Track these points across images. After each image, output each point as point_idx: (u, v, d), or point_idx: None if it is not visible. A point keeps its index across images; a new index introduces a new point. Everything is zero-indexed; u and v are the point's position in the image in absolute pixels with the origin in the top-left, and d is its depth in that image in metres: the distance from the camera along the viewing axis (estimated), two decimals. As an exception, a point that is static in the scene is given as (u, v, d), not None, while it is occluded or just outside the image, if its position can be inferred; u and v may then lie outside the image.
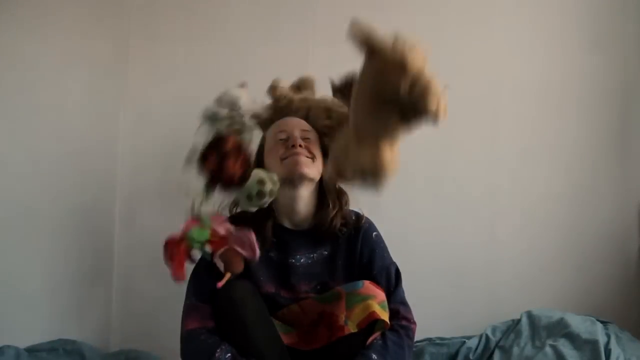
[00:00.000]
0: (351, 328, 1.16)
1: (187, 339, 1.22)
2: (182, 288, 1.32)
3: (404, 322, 1.27)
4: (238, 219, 1.37)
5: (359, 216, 1.40)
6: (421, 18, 1.90)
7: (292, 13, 1.88)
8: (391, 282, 1.33)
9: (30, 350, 1.46)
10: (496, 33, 1.91)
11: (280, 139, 1.35)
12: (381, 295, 1.21)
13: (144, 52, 1.85)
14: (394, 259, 1.39)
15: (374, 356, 1.17)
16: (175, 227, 1.80)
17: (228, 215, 1.40)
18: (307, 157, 1.31)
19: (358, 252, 1.35)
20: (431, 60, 1.90)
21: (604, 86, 1.90)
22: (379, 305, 1.19)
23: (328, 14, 1.88)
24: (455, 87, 1.87)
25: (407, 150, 1.84)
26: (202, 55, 1.85)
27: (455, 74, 1.88)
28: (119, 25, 1.84)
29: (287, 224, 1.36)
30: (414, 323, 1.30)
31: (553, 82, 1.91)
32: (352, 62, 1.83)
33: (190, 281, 1.30)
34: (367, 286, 1.22)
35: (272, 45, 1.84)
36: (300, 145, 1.31)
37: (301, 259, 1.33)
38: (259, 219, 1.32)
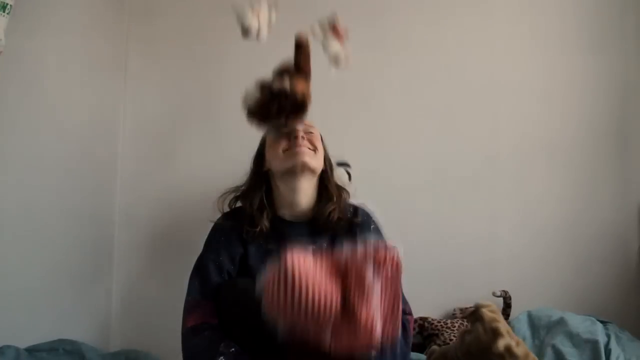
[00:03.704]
0: None
1: (190, 335, 1.22)
2: (182, 288, 1.32)
3: None
4: (237, 213, 1.38)
5: (357, 209, 1.41)
6: (421, 19, 1.90)
7: (292, 13, 1.88)
8: None
9: (30, 350, 1.46)
10: (496, 33, 1.92)
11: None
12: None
13: (144, 53, 1.85)
14: (394, 259, 1.40)
15: (373, 353, 1.17)
16: (175, 227, 1.81)
17: (228, 209, 1.40)
18: (310, 149, 1.32)
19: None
20: (432, 60, 1.92)
21: (603, 86, 1.90)
22: None
23: (328, 14, 1.88)
24: (456, 87, 1.89)
25: (407, 150, 1.86)
26: (201, 56, 1.85)
27: (456, 74, 1.89)
28: (118, 25, 1.84)
29: (287, 216, 1.36)
30: (411, 314, 1.30)
31: (553, 82, 1.91)
32: (353, 66, 1.85)
33: (191, 278, 1.30)
34: None
35: (273, 46, 1.84)
36: (302, 138, 1.33)
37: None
38: (258, 210, 1.32)
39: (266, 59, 1.89)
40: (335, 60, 1.28)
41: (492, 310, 1.40)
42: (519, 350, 1.34)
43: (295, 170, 1.30)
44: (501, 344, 1.32)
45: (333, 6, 1.85)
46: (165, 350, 1.61)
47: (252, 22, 1.22)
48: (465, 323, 1.71)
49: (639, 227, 1.87)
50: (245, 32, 1.23)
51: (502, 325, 1.36)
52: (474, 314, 1.42)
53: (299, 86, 1.17)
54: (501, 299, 1.74)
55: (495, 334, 1.34)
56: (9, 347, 1.40)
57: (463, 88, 1.89)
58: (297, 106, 1.18)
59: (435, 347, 1.61)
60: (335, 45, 1.28)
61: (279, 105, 1.18)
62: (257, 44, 1.25)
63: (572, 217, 1.87)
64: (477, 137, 1.89)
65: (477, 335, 1.38)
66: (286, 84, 1.17)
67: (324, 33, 1.29)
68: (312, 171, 1.33)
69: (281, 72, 1.22)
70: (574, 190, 1.88)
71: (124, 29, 1.85)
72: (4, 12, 1.28)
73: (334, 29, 1.29)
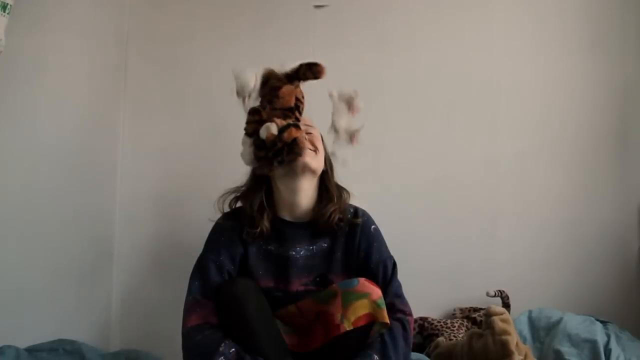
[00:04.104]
0: (347, 326, 1.17)
1: (190, 335, 1.22)
2: (182, 288, 1.32)
3: (399, 315, 1.27)
4: (237, 213, 1.37)
5: (357, 210, 1.41)
6: (421, 19, 1.90)
7: (293, 14, 1.89)
8: (387, 275, 1.34)
9: (30, 350, 1.47)
10: (496, 33, 1.91)
11: None
12: (377, 292, 1.21)
13: (144, 52, 1.85)
14: (395, 259, 1.40)
15: (375, 357, 1.18)
16: (175, 227, 1.82)
17: (228, 209, 1.40)
18: (310, 149, 1.32)
19: (356, 245, 1.36)
20: (431, 61, 1.92)
21: (603, 86, 1.90)
22: (375, 303, 1.19)
23: (329, 16, 1.88)
24: (455, 87, 1.89)
25: (407, 150, 1.86)
26: (202, 56, 1.85)
27: (455, 75, 1.89)
28: (118, 25, 1.84)
29: (287, 216, 1.36)
30: (410, 315, 1.30)
31: (553, 82, 1.91)
32: (353, 66, 1.85)
33: (192, 278, 1.30)
34: (363, 283, 1.22)
35: (273, 46, 1.84)
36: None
37: (301, 251, 1.34)
38: (258, 211, 1.32)
39: (267, 59, 1.89)
40: (334, 132, 1.35)
41: (504, 319, 1.39)
42: None
43: (296, 171, 1.29)
44: None
45: (334, 10, 1.87)
46: (165, 350, 1.61)
47: (251, 80, 1.26)
48: (466, 323, 1.71)
49: (639, 227, 1.87)
50: (242, 88, 1.27)
51: (512, 338, 1.35)
52: (486, 317, 1.41)
53: (289, 132, 1.19)
54: (500, 299, 1.74)
55: (505, 349, 1.33)
56: (9, 347, 1.40)
57: (463, 88, 1.89)
58: (290, 148, 1.20)
59: (441, 339, 1.60)
60: (343, 119, 1.35)
61: (273, 151, 1.20)
62: (246, 105, 1.28)
63: (572, 217, 1.87)
64: (477, 138, 1.89)
65: (485, 344, 1.37)
66: (273, 130, 1.19)
67: (340, 102, 1.36)
68: (313, 172, 1.33)
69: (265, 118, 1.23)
70: (573, 190, 1.88)
71: (124, 29, 1.85)
72: (4, 12, 1.28)
73: (349, 103, 1.35)
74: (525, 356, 1.37)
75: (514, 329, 1.40)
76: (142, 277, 1.80)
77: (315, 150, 1.33)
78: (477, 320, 1.71)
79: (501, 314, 1.39)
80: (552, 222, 1.87)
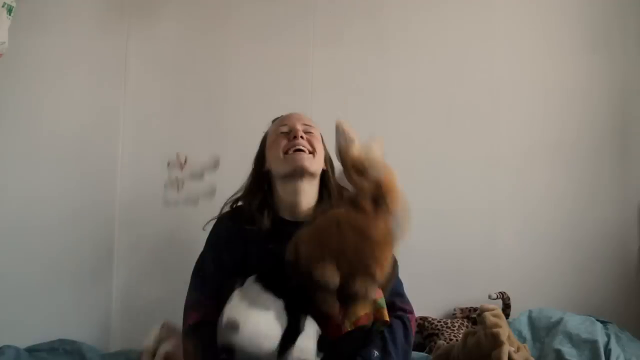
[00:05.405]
0: (347, 327, 1.17)
1: (191, 333, 1.22)
2: (182, 288, 1.32)
3: (399, 313, 1.28)
4: (238, 212, 1.37)
5: None
6: (421, 20, 1.91)
7: (292, 14, 1.89)
8: None
9: (30, 350, 1.47)
10: (497, 34, 1.92)
11: (282, 132, 1.35)
12: (378, 292, 1.21)
13: (144, 53, 1.85)
14: (395, 258, 1.39)
15: (375, 353, 1.18)
16: (174, 227, 1.81)
17: (228, 209, 1.40)
18: (309, 150, 1.31)
19: None
20: (432, 61, 1.92)
21: (604, 86, 1.90)
22: (376, 302, 1.19)
23: (328, 15, 1.88)
24: (456, 89, 1.89)
25: (408, 153, 1.86)
26: (201, 55, 1.85)
27: (456, 76, 1.89)
28: (118, 25, 1.83)
29: (287, 216, 1.36)
30: (411, 312, 1.30)
31: (553, 83, 1.91)
32: (352, 64, 1.85)
33: (193, 277, 1.31)
34: None
35: (273, 45, 1.84)
36: (301, 137, 1.32)
37: None
38: (259, 211, 1.32)
39: (267, 60, 1.90)
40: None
41: (496, 314, 1.40)
42: (518, 357, 1.34)
43: (294, 174, 1.29)
44: (500, 352, 1.32)
45: (335, 10, 1.87)
46: (165, 350, 1.61)
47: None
48: (467, 323, 1.71)
49: (639, 227, 1.87)
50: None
51: (503, 330, 1.36)
52: (478, 317, 1.43)
53: None
54: (501, 300, 1.74)
55: (496, 340, 1.34)
56: (9, 347, 1.40)
57: (464, 89, 1.90)
58: None
59: (441, 342, 1.61)
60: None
61: None
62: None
63: (573, 217, 1.87)
64: (478, 138, 1.89)
65: (478, 339, 1.38)
66: None
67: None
68: (312, 174, 1.32)
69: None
70: (574, 190, 1.88)
71: (124, 29, 1.85)
72: (9, 15, 1.28)
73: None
74: (518, 349, 1.38)
75: (506, 324, 1.41)
76: (142, 277, 1.80)
77: (314, 152, 1.33)
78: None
79: (492, 310, 1.41)
80: (552, 222, 1.87)
